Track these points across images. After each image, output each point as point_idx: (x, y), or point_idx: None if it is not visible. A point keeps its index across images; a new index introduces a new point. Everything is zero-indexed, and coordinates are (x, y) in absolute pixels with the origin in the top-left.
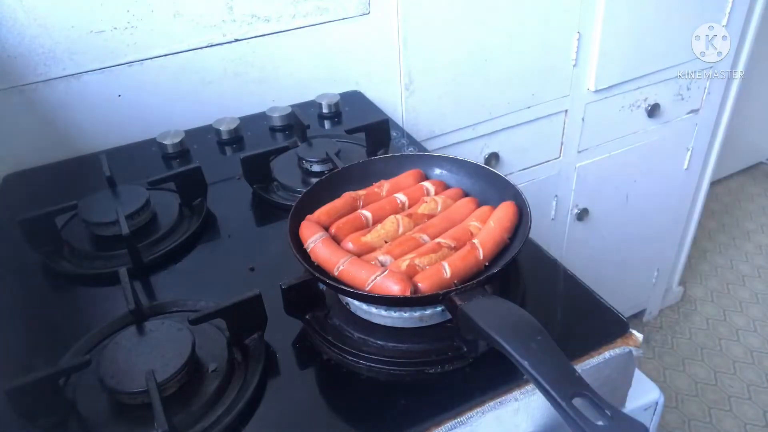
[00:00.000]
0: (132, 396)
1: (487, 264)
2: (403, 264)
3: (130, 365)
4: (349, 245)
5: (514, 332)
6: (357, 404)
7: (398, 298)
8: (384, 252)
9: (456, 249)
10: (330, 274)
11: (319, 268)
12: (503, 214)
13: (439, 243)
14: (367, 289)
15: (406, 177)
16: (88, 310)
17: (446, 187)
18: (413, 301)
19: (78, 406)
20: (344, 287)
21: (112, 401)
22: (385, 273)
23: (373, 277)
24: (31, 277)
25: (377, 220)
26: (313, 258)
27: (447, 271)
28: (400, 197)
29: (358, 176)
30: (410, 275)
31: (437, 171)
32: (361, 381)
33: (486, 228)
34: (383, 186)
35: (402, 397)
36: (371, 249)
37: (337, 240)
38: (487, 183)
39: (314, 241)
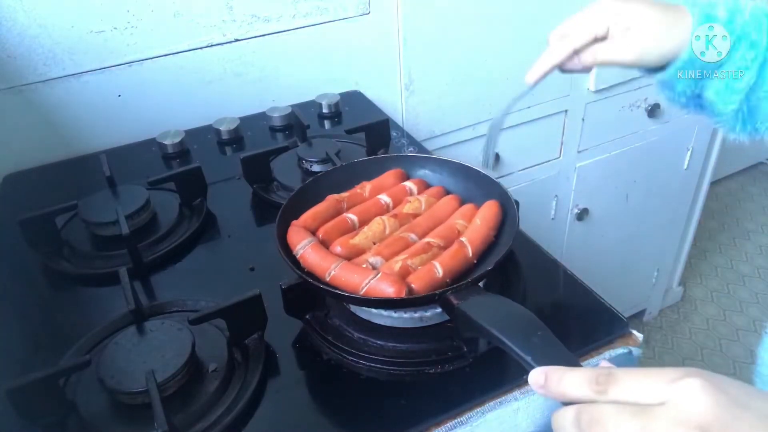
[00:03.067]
0: (132, 396)
1: (475, 261)
2: (396, 265)
3: (130, 365)
4: (338, 249)
5: (514, 328)
6: (357, 404)
7: (395, 300)
8: (374, 253)
9: (445, 248)
10: (321, 279)
11: (311, 274)
12: (487, 212)
13: (429, 243)
14: (362, 292)
15: (388, 177)
16: (88, 310)
17: (427, 185)
18: (409, 302)
19: (78, 406)
20: (340, 292)
21: (112, 401)
22: (379, 276)
23: (366, 281)
24: (31, 277)
25: (363, 222)
26: (303, 264)
27: (439, 270)
28: (384, 198)
29: (343, 180)
30: (403, 276)
31: (421, 171)
32: (361, 381)
33: (473, 226)
34: (365, 187)
35: (402, 397)
36: (360, 251)
37: (325, 244)
38: (470, 181)
39: (303, 247)
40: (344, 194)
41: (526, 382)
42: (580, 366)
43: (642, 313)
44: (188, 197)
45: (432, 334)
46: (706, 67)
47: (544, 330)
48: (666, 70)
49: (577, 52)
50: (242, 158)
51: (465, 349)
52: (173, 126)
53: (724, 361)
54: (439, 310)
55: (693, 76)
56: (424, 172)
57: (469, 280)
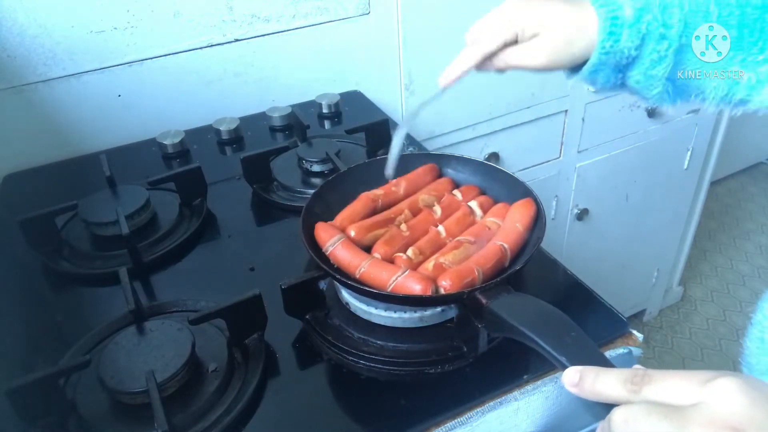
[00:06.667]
0: (132, 396)
1: (506, 264)
2: (429, 264)
3: (130, 365)
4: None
5: (548, 328)
6: (357, 404)
7: (421, 297)
8: (414, 247)
9: (475, 243)
10: (351, 276)
11: (339, 270)
12: (525, 212)
13: (459, 240)
14: (389, 289)
15: (423, 174)
16: (88, 310)
17: (477, 193)
18: (438, 300)
19: (78, 406)
20: (367, 288)
21: (112, 401)
22: (406, 273)
23: (394, 278)
24: (31, 277)
25: (417, 238)
26: (332, 260)
27: (479, 273)
28: (437, 211)
29: (368, 176)
30: (436, 275)
31: (446, 170)
32: (361, 381)
33: (511, 228)
34: (400, 184)
35: (402, 397)
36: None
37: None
38: (496, 181)
39: (333, 243)
40: (378, 191)
41: (526, 382)
42: (614, 367)
43: (642, 313)
44: (188, 197)
45: (432, 334)
46: (620, 64)
47: (577, 330)
48: (580, 72)
49: (489, 57)
50: (242, 158)
51: (465, 349)
52: (173, 126)
53: (724, 361)
54: (439, 309)
55: (609, 73)
56: (447, 171)
57: (498, 279)
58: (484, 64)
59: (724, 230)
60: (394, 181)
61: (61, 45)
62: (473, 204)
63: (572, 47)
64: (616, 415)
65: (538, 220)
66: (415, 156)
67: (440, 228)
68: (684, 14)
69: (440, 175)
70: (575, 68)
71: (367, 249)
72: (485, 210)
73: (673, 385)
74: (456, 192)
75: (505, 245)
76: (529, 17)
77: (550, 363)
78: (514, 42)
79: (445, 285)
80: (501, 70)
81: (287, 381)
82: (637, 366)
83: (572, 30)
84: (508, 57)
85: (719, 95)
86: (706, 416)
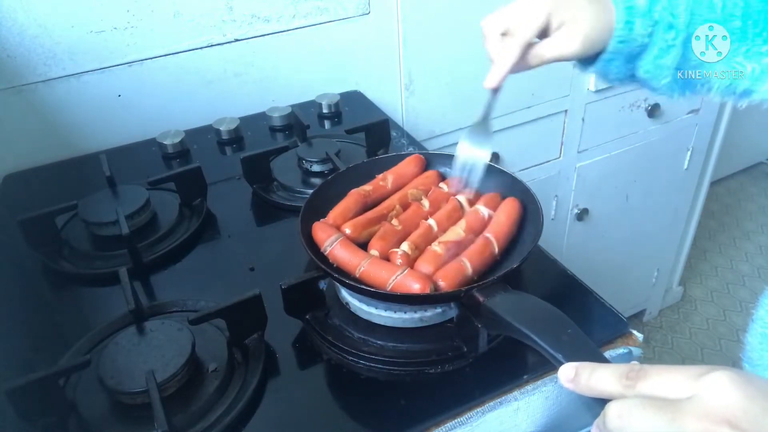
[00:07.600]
0: (132, 396)
1: (499, 258)
2: (425, 256)
3: (130, 365)
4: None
5: (544, 326)
6: (357, 404)
7: (420, 296)
8: (408, 241)
9: (465, 231)
10: (351, 275)
11: (338, 269)
12: (510, 208)
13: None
14: (389, 288)
15: (409, 165)
16: (88, 310)
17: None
18: (435, 298)
19: (78, 406)
20: (366, 288)
21: (112, 401)
22: (405, 272)
23: (393, 277)
24: (31, 277)
25: (409, 231)
26: (331, 260)
27: (468, 267)
28: (425, 204)
29: (365, 175)
30: (437, 265)
31: (442, 169)
32: (361, 381)
33: (497, 222)
34: (387, 178)
35: (402, 397)
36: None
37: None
38: (490, 178)
39: (331, 243)
40: (366, 187)
41: (526, 382)
42: (609, 363)
43: (642, 313)
44: (188, 197)
45: (432, 334)
46: (631, 54)
47: (574, 328)
48: (596, 62)
49: (524, 51)
50: (242, 158)
51: (465, 349)
52: (173, 126)
53: (724, 361)
54: (439, 310)
55: (621, 63)
56: (445, 170)
57: (496, 277)
58: (516, 65)
59: (724, 230)
60: (381, 175)
61: (61, 45)
62: (461, 198)
63: (600, 32)
64: (610, 409)
65: (530, 216)
66: (410, 155)
67: (431, 221)
68: (689, 4)
69: (427, 169)
70: (587, 61)
71: (363, 245)
72: (472, 203)
73: (667, 380)
74: (442, 185)
75: (491, 237)
76: (557, 3)
77: (550, 363)
78: (545, 33)
79: (441, 285)
80: (534, 67)
81: (287, 381)
82: (633, 362)
83: (598, 15)
84: (542, 50)
85: (724, 85)
86: (700, 409)
